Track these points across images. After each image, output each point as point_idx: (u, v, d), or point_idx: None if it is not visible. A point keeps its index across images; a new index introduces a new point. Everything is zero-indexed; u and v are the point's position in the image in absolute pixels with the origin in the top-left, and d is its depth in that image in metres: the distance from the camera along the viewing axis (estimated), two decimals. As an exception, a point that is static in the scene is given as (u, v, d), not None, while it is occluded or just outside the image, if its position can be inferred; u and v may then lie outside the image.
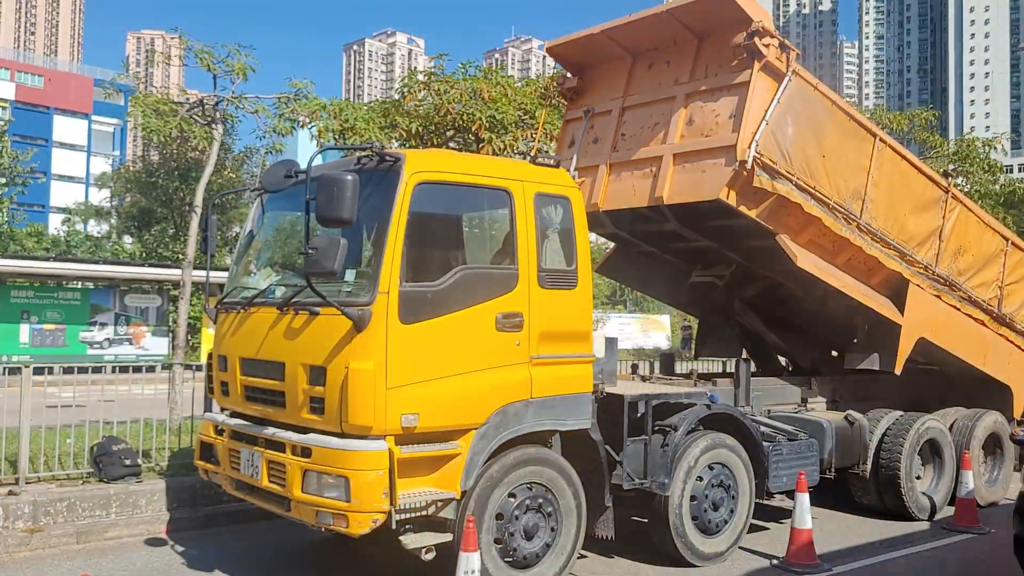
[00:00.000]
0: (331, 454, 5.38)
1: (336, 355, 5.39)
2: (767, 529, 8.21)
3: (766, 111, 7.20)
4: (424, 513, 5.51)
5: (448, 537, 5.63)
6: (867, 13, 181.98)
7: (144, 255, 31.47)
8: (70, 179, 69.82)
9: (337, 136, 11.66)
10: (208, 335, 22.72)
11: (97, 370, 9.14)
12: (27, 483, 7.76)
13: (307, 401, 5.59)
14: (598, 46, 8.37)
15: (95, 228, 38.97)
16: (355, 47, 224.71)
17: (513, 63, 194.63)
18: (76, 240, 35.33)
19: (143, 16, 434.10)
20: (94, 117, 73.83)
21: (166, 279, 23.14)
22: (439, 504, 5.57)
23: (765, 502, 7.68)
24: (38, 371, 8.41)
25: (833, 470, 8.18)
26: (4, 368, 8.71)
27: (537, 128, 11.20)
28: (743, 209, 7.35)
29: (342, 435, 5.41)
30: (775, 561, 7.12)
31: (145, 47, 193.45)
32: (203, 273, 8.12)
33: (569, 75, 8.96)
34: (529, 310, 5.96)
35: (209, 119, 11.69)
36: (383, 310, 5.34)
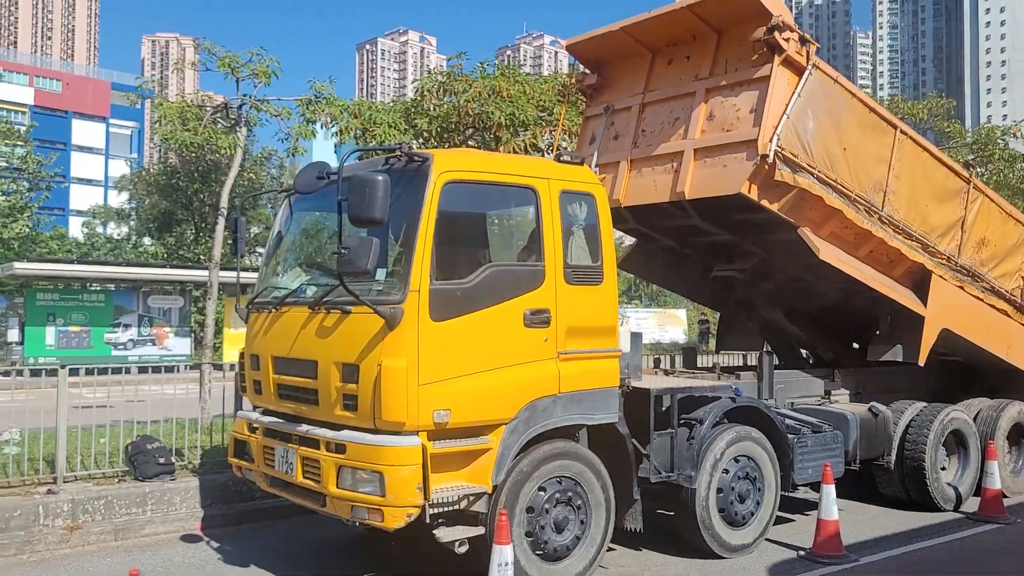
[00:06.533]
0: (365, 450, 5.49)
1: (368, 353, 5.48)
2: (793, 521, 8.25)
3: (787, 105, 7.23)
4: (457, 507, 5.61)
5: (480, 530, 5.72)
6: (881, 3, 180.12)
7: (165, 257, 31.78)
8: (89, 182, 70.48)
9: (358, 137, 11.78)
10: (230, 335, 22.91)
11: (127, 371, 9.29)
12: (65, 482, 7.92)
13: (340, 398, 5.69)
14: (617, 43, 8.42)
15: (115, 230, 39.36)
16: (367, 46, 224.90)
17: (525, 59, 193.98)
18: (97, 243, 35.72)
19: (157, 19, 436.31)
20: (112, 120, 74.48)
21: (188, 280, 23.35)
22: (471, 498, 5.66)
23: (790, 494, 7.73)
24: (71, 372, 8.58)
25: (858, 462, 8.22)
26: (43, 370, 8.89)
27: (556, 125, 11.28)
28: (765, 203, 7.39)
29: (375, 431, 5.50)
30: (802, 552, 7.18)
31: (160, 50, 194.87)
32: (229, 273, 8.25)
33: (588, 72, 9.02)
34: (556, 306, 6.03)
35: (232, 122, 11.84)
36: (414, 308, 5.43)
